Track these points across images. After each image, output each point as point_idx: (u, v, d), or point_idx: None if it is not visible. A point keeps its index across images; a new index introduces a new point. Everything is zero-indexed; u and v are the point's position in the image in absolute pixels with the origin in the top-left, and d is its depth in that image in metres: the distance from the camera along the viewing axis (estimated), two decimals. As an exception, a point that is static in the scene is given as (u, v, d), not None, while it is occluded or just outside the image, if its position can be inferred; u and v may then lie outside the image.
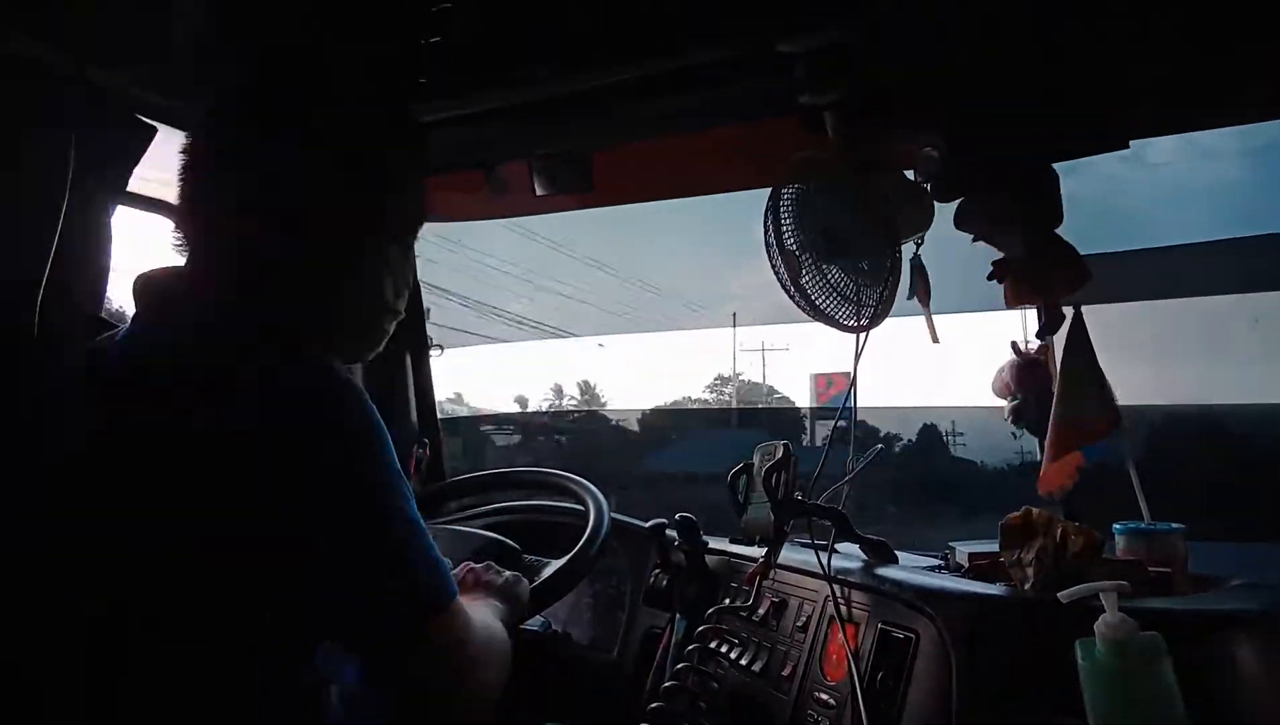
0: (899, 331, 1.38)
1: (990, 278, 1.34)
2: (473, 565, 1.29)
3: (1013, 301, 1.32)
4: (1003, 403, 1.43)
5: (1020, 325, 1.44)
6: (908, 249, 1.35)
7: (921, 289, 1.37)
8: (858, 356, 1.30)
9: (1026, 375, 1.39)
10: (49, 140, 1.24)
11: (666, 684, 1.27)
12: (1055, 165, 1.29)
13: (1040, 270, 1.28)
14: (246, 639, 0.84)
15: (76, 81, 1.26)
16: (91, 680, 0.83)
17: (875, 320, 1.27)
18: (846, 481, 1.29)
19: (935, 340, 1.39)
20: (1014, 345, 1.39)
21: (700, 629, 1.35)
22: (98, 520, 0.85)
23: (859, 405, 1.39)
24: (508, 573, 1.27)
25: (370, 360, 1.12)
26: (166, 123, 1.39)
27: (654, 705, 1.24)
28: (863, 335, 1.30)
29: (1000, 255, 1.34)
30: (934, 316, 1.41)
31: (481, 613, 1.04)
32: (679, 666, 1.29)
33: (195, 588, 0.82)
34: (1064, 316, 1.30)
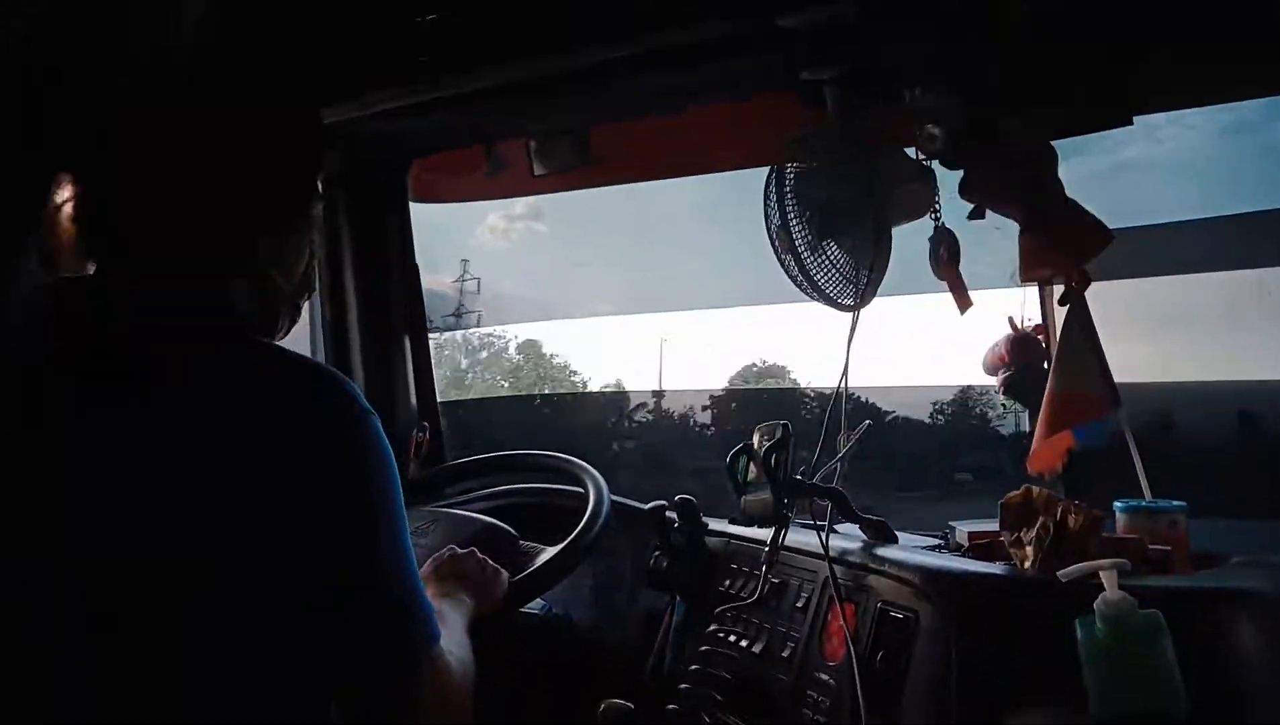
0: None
1: (970, 217, 1.32)
2: (455, 550, 1.28)
3: (1026, 275, 1.29)
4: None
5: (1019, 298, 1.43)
6: (925, 225, 1.34)
7: (946, 262, 1.34)
8: (851, 336, 1.29)
9: (1021, 348, 1.38)
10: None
11: (682, 686, 1.28)
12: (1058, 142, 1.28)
13: (1057, 237, 1.26)
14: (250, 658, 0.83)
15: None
16: (84, 684, 0.80)
17: (865, 299, 1.26)
18: (839, 460, 1.29)
19: (967, 304, 1.34)
20: (1010, 320, 1.39)
21: (710, 629, 1.35)
22: (96, 529, 0.81)
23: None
24: (490, 566, 1.27)
25: (369, 345, 1.10)
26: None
27: (670, 706, 1.24)
28: (855, 314, 1.29)
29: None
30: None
31: (452, 622, 1.04)
32: (692, 668, 1.29)
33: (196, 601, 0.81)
34: (1089, 280, 1.28)
